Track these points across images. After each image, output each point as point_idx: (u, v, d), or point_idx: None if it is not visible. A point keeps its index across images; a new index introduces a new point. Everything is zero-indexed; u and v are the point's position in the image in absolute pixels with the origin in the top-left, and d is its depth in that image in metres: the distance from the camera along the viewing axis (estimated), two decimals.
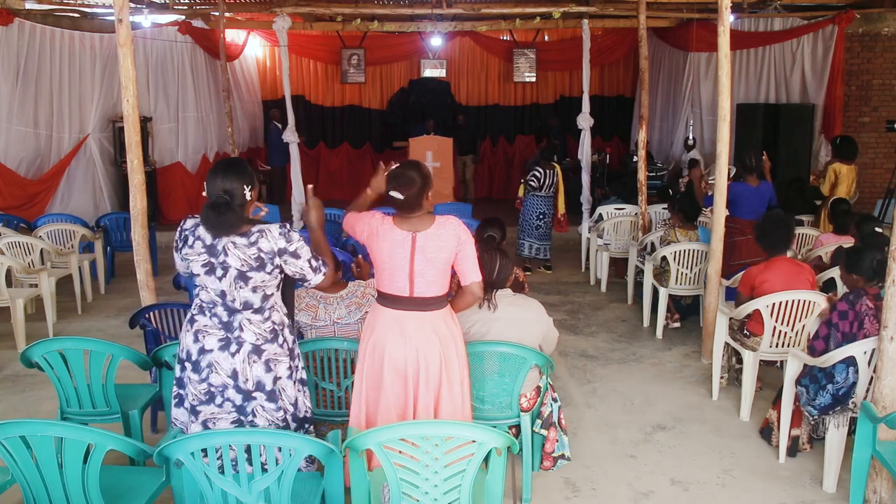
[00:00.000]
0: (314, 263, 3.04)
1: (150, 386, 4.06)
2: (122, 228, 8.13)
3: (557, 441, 3.79)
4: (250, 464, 2.64)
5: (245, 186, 2.93)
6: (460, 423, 2.79)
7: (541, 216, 8.32)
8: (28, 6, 8.68)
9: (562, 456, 3.81)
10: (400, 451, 2.62)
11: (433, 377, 3.13)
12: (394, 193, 3.11)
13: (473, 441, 2.59)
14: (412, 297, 3.13)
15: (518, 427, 3.67)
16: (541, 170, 8.24)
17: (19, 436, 2.53)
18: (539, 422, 3.77)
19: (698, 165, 9.14)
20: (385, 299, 3.19)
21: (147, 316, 4.30)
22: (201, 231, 2.92)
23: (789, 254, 5.07)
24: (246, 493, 2.58)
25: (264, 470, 2.61)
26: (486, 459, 2.66)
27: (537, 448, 3.79)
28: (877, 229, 5.22)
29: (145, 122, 9.75)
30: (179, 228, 2.98)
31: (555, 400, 3.85)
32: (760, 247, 4.85)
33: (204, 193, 2.95)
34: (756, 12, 10.26)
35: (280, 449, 2.68)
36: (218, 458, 2.59)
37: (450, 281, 3.24)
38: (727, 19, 5.20)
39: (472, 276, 3.20)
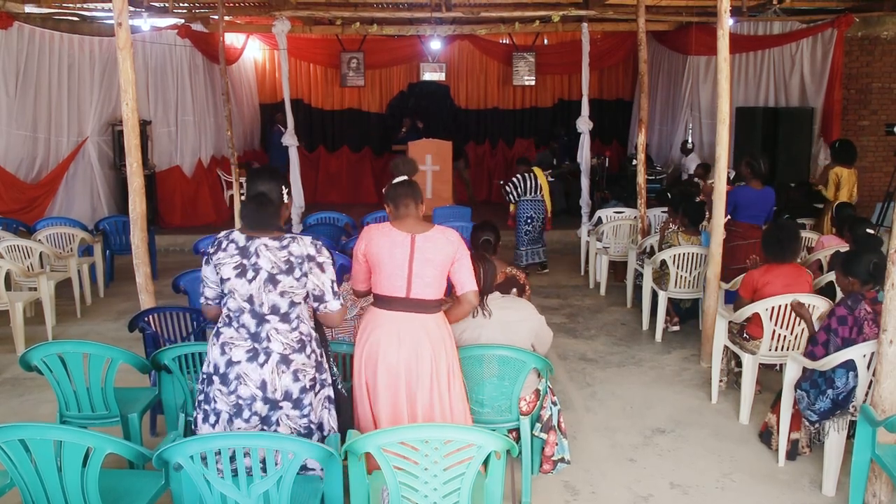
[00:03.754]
0: (336, 289, 3.04)
1: (149, 389, 4.06)
2: (122, 232, 8.12)
3: (557, 444, 3.78)
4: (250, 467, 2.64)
5: (282, 188, 3.11)
6: (460, 427, 2.79)
7: (528, 220, 8.49)
8: (27, 10, 8.69)
9: (561, 459, 3.81)
10: (399, 455, 2.62)
11: (424, 378, 3.17)
12: (401, 177, 3.28)
13: (473, 444, 2.59)
14: (409, 297, 3.17)
15: (517, 430, 3.67)
16: (519, 176, 8.46)
17: (18, 439, 2.53)
18: (539, 425, 3.76)
19: (707, 172, 9.12)
20: (381, 301, 3.22)
21: (146, 319, 4.29)
22: (235, 235, 2.97)
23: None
24: (245, 497, 2.58)
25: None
26: (486, 463, 2.66)
27: (537, 451, 3.78)
28: (868, 231, 5.22)
29: (145, 125, 9.75)
30: (215, 239, 3.03)
31: (554, 403, 3.85)
32: (768, 254, 4.79)
33: (242, 197, 3.03)
34: (755, 16, 10.28)
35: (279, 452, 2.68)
36: (217, 456, 2.59)
37: (445, 289, 3.27)
38: (726, 23, 5.21)
39: (468, 285, 3.28)
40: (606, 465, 4.12)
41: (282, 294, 2.93)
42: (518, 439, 3.65)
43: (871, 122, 10.43)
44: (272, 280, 2.91)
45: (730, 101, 5.61)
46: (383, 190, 3.35)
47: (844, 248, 5.54)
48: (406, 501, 2.66)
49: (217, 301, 3.07)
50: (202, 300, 3.11)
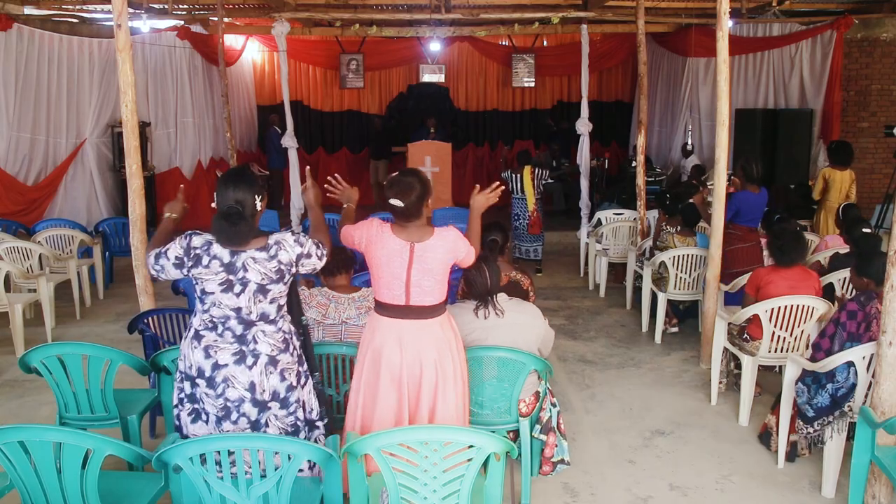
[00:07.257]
0: (318, 252, 3.06)
1: (148, 391, 4.06)
2: (121, 233, 8.14)
3: (557, 446, 3.79)
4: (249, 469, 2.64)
5: (255, 196, 2.93)
6: (459, 429, 2.79)
7: (515, 217, 8.61)
8: (27, 11, 8.69)
9: (561, 461, 3.81)
10: (399, 457, 2.62)
11: (428, 383, 3.15)
12: (393, 201, 3.14)
13: (472, 446, 2.59)
14: (408, 305, 3.16)
15: (517, 432, 3.66)
16: (504, 175, 8.72)
17: (18, 441, 2.53)
18: (538, 427, 3.76)
19: (702, 188, 9.12)
20: (382, 308, 3.21)
21: (146, 321, 4.29)
22: (217, 249, 2.88)
23: None
24: (245, 499, 2.58)
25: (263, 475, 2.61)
26: (485, 464, 2.66)
27: (536, 453, 3.78)
28: (864, 230, 5.21)
29: (144, 127, 9.75)
30: (186, 246, 2.90)
31: (554, 405, 3.85)
32: (775, 260, 4.78)
33: (213, 205, 2.94)
34: (755, 18, 10.28)
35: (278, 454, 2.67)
36: (217, 465, 2.59)
37: (447, 289, 3.26)
38: (726, 25, 5.21)
39: (471, 258, 3.36)
40: (606, 466, 4.11)
41: (271, 301, 2.95)
42: (517, 441, 3.65)
43: (871, 124, 10.42)
44: (262, 290, 2.91)
45: (729, 102, 5.60)
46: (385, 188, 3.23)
47: (845, 249, 5.54)
48: (405, 503, 2.66)
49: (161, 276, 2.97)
50: (152, 270, 2.97)
